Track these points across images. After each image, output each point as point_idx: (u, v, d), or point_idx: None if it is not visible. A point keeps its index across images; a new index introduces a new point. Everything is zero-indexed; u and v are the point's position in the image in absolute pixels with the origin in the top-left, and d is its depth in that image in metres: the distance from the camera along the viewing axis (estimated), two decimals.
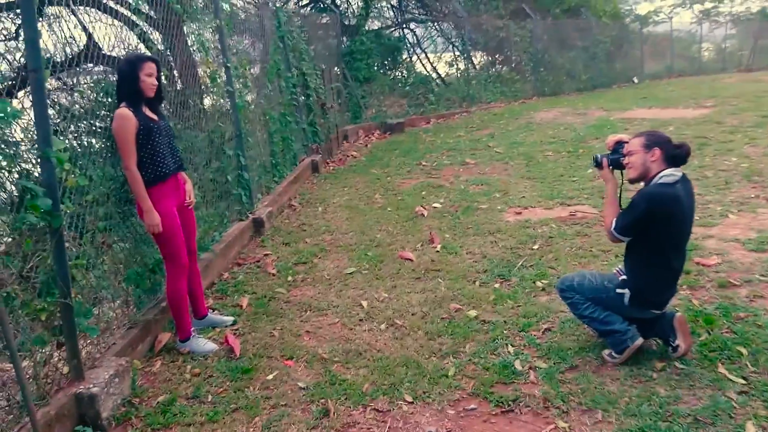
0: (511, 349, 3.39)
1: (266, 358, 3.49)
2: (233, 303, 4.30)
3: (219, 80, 5.28)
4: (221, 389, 3.18)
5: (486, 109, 14.86)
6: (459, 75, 16.19)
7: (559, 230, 5.36)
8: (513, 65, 17.75)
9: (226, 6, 5.54)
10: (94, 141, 3.61)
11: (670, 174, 2.90)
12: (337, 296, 4.33)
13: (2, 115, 2.39)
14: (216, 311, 4.09)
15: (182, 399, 3.11)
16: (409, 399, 2.98)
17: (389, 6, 17.26)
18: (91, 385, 2.86)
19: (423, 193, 7.14)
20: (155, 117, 3.52)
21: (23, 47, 2.67)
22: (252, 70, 6.49)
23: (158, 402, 3.07)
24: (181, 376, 3.34)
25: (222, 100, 5.27)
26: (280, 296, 4.39)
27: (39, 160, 2.66)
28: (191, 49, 4.87)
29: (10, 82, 5.69)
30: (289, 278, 4.73)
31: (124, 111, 3.35)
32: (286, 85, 8.13)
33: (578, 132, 10.54)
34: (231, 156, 5.44)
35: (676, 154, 2.93)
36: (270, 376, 3.28)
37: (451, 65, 16.59)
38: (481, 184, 7.31)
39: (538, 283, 4.25)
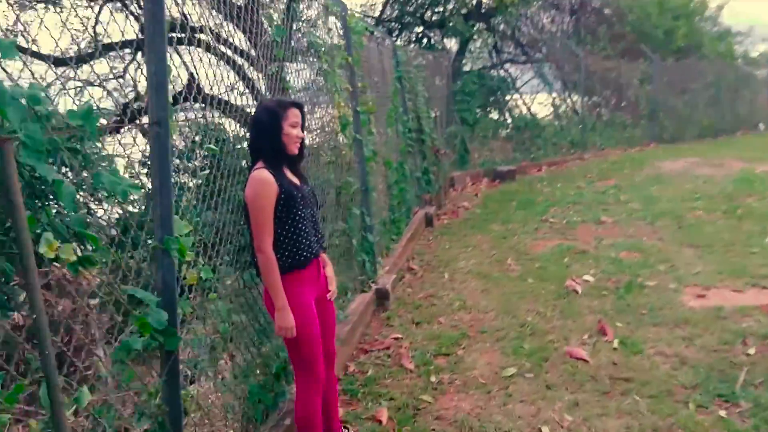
0: None
1: None
2: (368, 415, 3.35)
3: (350, 126, 4.47)
4: None
5: (600, 156, 13.60)
6: (566, 118, 15.03)
7: None
8: (623, 108, 16.40)
9: (361, 39, 4.78)
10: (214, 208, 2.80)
11: None
12: (502, 412, 3.31)
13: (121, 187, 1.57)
14: (349, 430, 3.16)
15: None
16: None
17: (486, 46, 16.42)
18: None
19: (565, 259, 6.04)
20: (297, 181, 2.69)
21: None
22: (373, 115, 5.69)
23: None
24: None
25: (348, 151, 4.44)
26: (426, 407, 3.41)
27: (154, 252, 1.82)
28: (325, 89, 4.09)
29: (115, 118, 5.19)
30: (432, 378, 3.74)
31: (263, 174, 2.53)
32: (403, 130, 7.32)
33: (723, 187, 9.18)
34: (357, 215, 4.59)
35: None
36: None
37: (554, 107, 15.46)
38: (634, 251, 6.13)
39: None
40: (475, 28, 14.76)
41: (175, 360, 1.87)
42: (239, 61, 4.20)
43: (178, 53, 3.43)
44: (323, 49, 3.90)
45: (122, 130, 4.38)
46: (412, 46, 13.71)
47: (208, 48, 3.06)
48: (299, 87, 3.68)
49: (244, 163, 3.05)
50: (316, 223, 2.77)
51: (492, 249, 6.64)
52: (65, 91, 3.08)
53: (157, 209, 1.81)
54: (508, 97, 15.29)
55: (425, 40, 13.59)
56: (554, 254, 6.23)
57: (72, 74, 4.94)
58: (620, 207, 8.31)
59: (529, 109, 15.77)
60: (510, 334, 4.32)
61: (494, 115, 14.89)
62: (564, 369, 3.75)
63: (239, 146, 3.21)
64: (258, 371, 2.82)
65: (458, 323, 4.60)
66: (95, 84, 5.73)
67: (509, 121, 14.88)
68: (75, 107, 1.49)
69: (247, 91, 4.56)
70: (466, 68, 15.42)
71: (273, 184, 2.52)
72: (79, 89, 5.81)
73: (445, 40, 15.01)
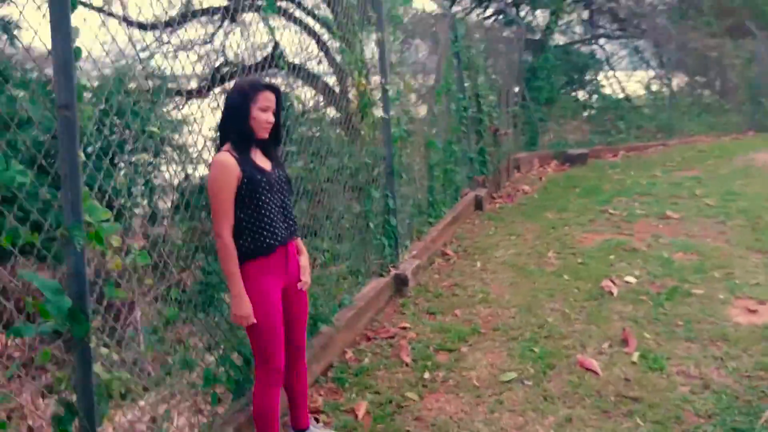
0: None
1: None
2: (347, 407, 3.26)
3: (373, 106, 4.30)
4: None
5: (687, 142, 12.59)
6: (659, 100, 13.99)
7: None
8: (722, 91, 15.05)
9: (398, 11, 4.56)
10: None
11: None
12: (486, 421, 3.12)
13: None
14: (321, 423, 3.08)
15: None
16: None
17: (580, 20, 15.46)
18: None
19: (611, 257, 5.63)
20: (267, 165, 2.59)
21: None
22: (414, 91, 5.48)
23: None
24: None
25: (368, 130, 4.27)
26: (409, 405, 3.28)
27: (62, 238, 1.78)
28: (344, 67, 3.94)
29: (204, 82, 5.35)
30: (426, 375, 3.60)
31: (223, 157, 2.45)
32: (456, 108, 7.04)
33: None
34: (377, 198, 4.44)
35: None
36: None
37: (646, 88, 14.41)
38: (691, 252, 5.62)
39: None
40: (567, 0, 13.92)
41: (86, 347, 1.85)
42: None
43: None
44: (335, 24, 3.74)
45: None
46: (492, 20, 13.17)
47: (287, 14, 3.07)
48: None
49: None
50: (287, 210, 2.66)
51: (536, 239, 6.31)
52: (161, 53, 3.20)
53: (67, 194, 1.77)
54: (595, 75, 14.43)
55: (503, 14, 12.98)
56: (601, 250, 5.82)
57: (166, 39, 5.25)
58: (693, 202, 7.65)
59: (621, 88, 14.79)
60: (524, 335, 4.08)
61: (576, 94, 14.12)
62: (568, 380, 3.49)
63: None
64: (221, 355, 2.78)
65: (473, 317, 4.39)
66: (187, 48, 5.97)
67: (594, 100, 14.06)
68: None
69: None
70: (551, 43, 14.63)
71: (233, 168, 2.44)
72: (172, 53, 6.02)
73: (531, 13, 14.28)
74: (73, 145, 1.76)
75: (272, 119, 2.56)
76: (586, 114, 13.76)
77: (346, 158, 3.99)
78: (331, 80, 4.90)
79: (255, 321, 2.49)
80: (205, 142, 3.12)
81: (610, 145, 11.83)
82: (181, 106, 3.96)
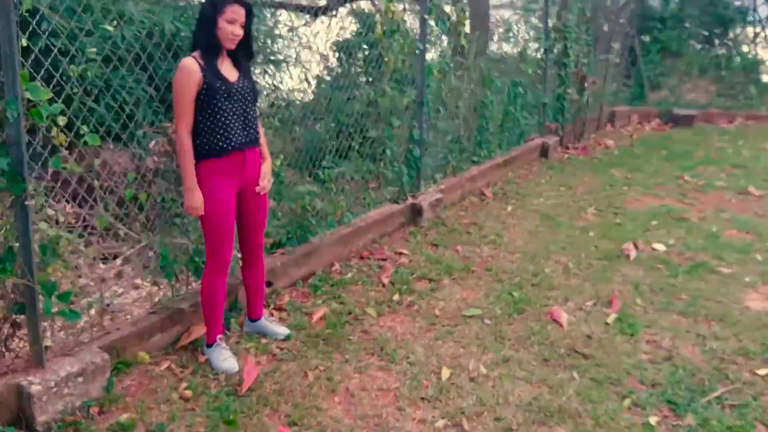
0: None
1: (269, 409, 2.69)
2: (308, 310, 3.55)
3: (404, 35, 4.33)
4: None
5: None
6: None
7: None
8: None
9: None
10: None
11: None
12: (425, 346, 3.27)
13: None
14: (276, 319, 3.39)
15: (140, 428, 2.52)
16: None
17: None
18: (37, 380, 2.41)
19: (653, 222, 5.35)
20: (233, 75, 2.81)
21: None
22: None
23: (114, 423, 2.53)
24: (168, 393, 2.74)
25: (393, 58, 4.31)
26: (363, 320, 3.50)
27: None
28: None
29: None
30: (395, 297, 3.78)
31: (187, 62, 2.70)
32: (536, 48, 6.78)
33: None
34: (399, 126, 4.54)
35: None
36: None
37: None
38: (747, 232, 5.20)
39: None
40: None
41: (23, 205, 2.23)
42: None
43: None
44: None
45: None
46: None
47: None
48: None
49: None
50: (248, 119, 2.88)
51: (586, 193, 6.10)
52: None
53: (8, 74, 2.10)
54: (740, 32, 12.94)
55: None
56: (646, 214, 5.54)
57: None
58: None
59: None
60: (513, 279, 4.11)
61: (711, 51, 12.78)
62: (529, 326, 3.52)
63: None
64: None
65: (473, 255, 4.46)
66: None
67: (731, 59, 12.68)
68: None
69: None
70: None
71: (194, 73, 2.68)
72: None
73: None
74: (9, 27, 2.07)
75: (238, 32, 2.74)
76: (716, 73, 12.49)
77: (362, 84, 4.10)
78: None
79: (203, 214, 2.79)
80: None
81: (728, 109, 10.75)
82: None
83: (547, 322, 3.58)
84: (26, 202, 2.22)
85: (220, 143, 2.78)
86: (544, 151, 7.25)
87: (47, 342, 2.62)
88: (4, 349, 2.52)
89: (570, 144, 8.02)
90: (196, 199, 2.76)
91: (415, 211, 4.82)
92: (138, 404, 2.65)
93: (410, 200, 4.84)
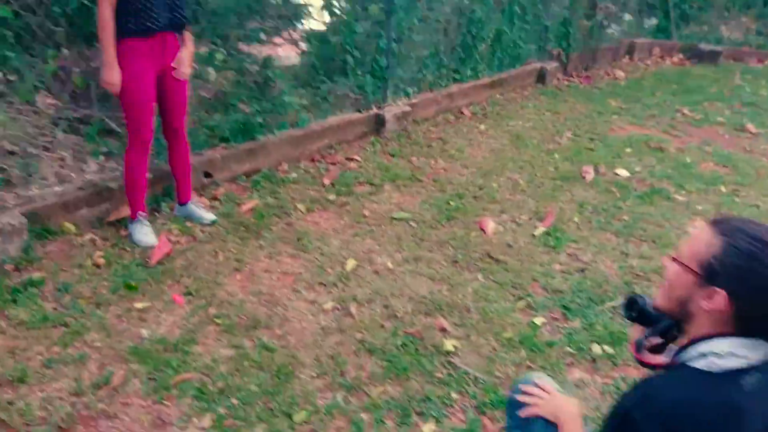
0: None
1: (172, 281, 2.89)
2: (242, 201, 3.69)
3: None
4: (90, 296, 2.72)
5: None
6: None
7: None
8: None
9: None
10: None
11: (729, 353, 1.21)
12: (342, 241, 3.40)
13: None
14: (204, 206, 3.54)
15: (49, 285, 2.75)
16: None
17: None
18: None
19: (628, 149, 5.25)
20: None
21: None
22: None
23: (26, 279, 2.76)
24: (83, 259, 2.96)
25: None
26: (291, 215, 3.63)
27: None
28: None
29: None
30: (331, 197, 3.89)
31: None
32: None
33: None
34: (361, 32, 4.52)
35: None
36: (143, 305, 2.70)
37: None
38: (725, 166, 5.07)
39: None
40: None
41: None
42: None
43: None
44: None
45: None
46: None
47: None
48: None
49: None
50: (175, 5, 2.95)
51: (570, 120, 5.98)
52: None
53: None
54: None
55: None
56: (623, 142, 5.43)
57: None
58: None
59: None
60: (457, 190, 4.15)
61: None
62: (452, 232, 3.60)
63: None
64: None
65: (425, 167, 4.50)
66: None
67: None
68: None
69: None
70: None
71: None
72: None
73: None
74: None
75: None
76: (762, 9, 11.73)
77: None
78: None
79: (119, 90, 2.90)
80: None
81: (761, 48, 10.16)
82: None
83: (473, 230, 3.66)
84: None
85: (144, 23, 2.87)
86: (541, 77, 7.07)
87: None
88: None
89: (573, 72, 7.79)
90: (114, 75, 2.87)
91: (379, 122, 4.85)
92: (53, 266, 2.88)
93: (374, 110, 4.86)
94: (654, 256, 3.57)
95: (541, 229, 3.72)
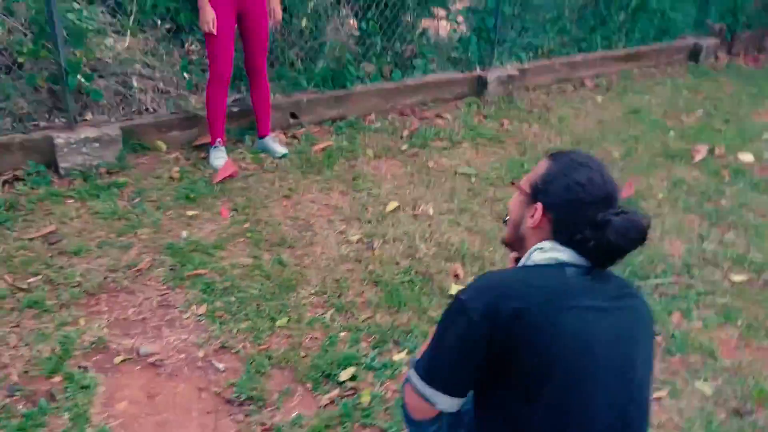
0: None
1: (226, 197, 3.21)
2: (318, 141, 3.91)
3: None
4: (155, 201, 3.13)
5: None
6: None
7: None
8: None
9: None
10: None
11: (552, 248, 1.23)
12: (395, 186, 3.49)
13: None
14: (281, 143, 3.81)
15: (129, 189, 3.21)
16: None
17: None
18: (63, 137, 3.21)
19: (765, 135, 4.63)
20: None
21: None
22: None
23: (112, 181, 3.25)
24: (162, 172, 3.38)
25: None
26: (358, 158, 3.76)
27: None
28: None
29: None
30: (403, 147, 3.95)
31: None
32: None
33: None
34: None
35: (595, 239, 1.17)
36: (193, 212, 3.05)
37: None
38: None
39: None
40: None
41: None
42: None
43: None
44: None
45: None
46: None
47: None
48: None
49: None
50: None
51: (708, 99, 5.39)
52: None
53: None
54: None
55: None
56: (761, 127, 4.79)
57: None
58: None
59: None
60: (538, 155, 4.00)
61: None
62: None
63: None
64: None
65: (514, 132, 4.37)
66: None
67: None
68: None
69: None
70: None
71: None
72: None
73: None
74: None
75: None
76: None
77: None
78: None
79: (213, 28, 3.26)
80: None
81: None
82: None
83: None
84: None
85: None
86: (694, 55, 6.40)
87: (87, 116, 3.42)
88: (48, 114, 3.37)
89: (742, 53, 6.92)
90: (207, 14, 3.23)
91: (480, 84, 4.80)
92: (137, 174, 3.36)
93: (477, 72, 4.82)
94: (737, 243, 3.22)
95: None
